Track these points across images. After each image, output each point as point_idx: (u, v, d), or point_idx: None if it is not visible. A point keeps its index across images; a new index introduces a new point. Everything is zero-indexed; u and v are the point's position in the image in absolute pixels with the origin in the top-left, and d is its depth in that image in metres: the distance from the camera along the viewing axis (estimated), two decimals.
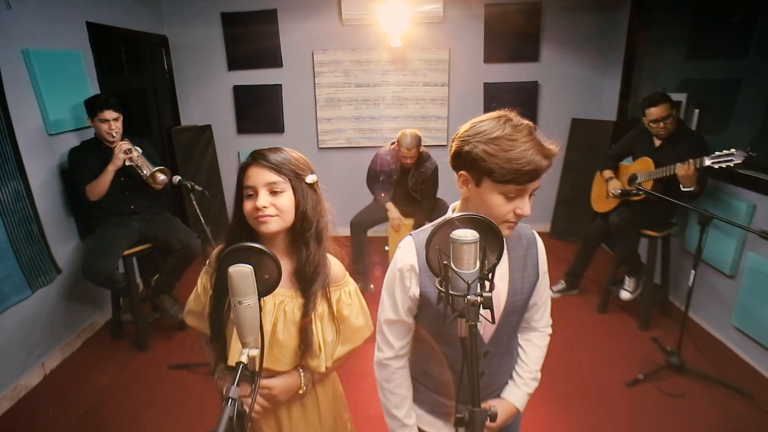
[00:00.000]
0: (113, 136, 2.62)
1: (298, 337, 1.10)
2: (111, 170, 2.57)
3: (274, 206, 1.04)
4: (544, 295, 1.15)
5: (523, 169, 0.89)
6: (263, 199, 1.03)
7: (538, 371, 1.17)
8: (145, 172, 2.64)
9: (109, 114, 2.58)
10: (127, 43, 3.59)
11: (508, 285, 1.05)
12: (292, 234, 1.11)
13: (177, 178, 2.62)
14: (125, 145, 2.60)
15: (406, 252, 1.05)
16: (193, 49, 4.19)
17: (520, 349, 1.19)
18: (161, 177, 2.64)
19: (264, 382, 1.10)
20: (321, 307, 1.12)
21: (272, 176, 1.04)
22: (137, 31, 3.67)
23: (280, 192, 1.05)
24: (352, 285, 1.20)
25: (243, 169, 1.07)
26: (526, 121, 0.95)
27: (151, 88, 3.96)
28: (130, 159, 2.62)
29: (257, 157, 1.06)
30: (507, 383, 1.18)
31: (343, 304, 1.16)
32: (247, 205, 1.05)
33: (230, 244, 1.06)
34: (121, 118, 2.66)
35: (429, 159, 3.34)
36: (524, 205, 0.95)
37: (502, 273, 1.05)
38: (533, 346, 1.18)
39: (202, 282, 1.18)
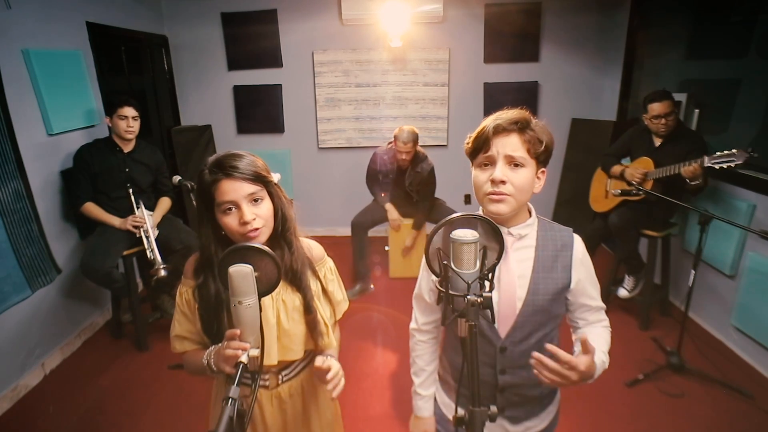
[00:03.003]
0: (130, 135, 2.67)
1: (305, 324, 1.12)
2: (115, 224, 2.64)
3: (259, 217, 1.01)
4: (589, 299, 1.08)
5: (481, 134, 0.98)
6: (248, 212, 0.99)
7: (606, 352, 1.05)
8: (148, 252, 2.62)
9: (129, 111, 2.63)
10: (127, 43, 3.59)
11: (529, 282, 1.02)
12: (270, 236, 1.08)
13: (177, 178, 2.62)
14: (140, 222, 2.64)
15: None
16: (193, 49, 4.19)
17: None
18: (162, 273, 2.58)
19: (329, 375, 1.02)
20: (315, 285, 1.15)
21: (250, 186, 0.99)
22: (137, 31, 3.67)
23: (260, 200, 1.02)
24: (330, 262, 1.24)
25: (212, 185, 0.98)
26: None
27: (151, 88, 3.96)
28: (137, 231, 2.65)
29: (227, 170, 0.97)
30: (538, 391, 1.10)
31: (327, 281, 1.20)
32: (230, 222, 0.99)
33: (206, 266, 1.05)
34: (139, 119, 2.71)
35: (425, 160, 3.35)
36: (496, 171, 0.96)
37: (524, 269, 1.03)
38: (597, 332, 1.09)
39: (183, 296, 1.10)
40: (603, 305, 1.12)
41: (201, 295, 1.07)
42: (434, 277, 1.08)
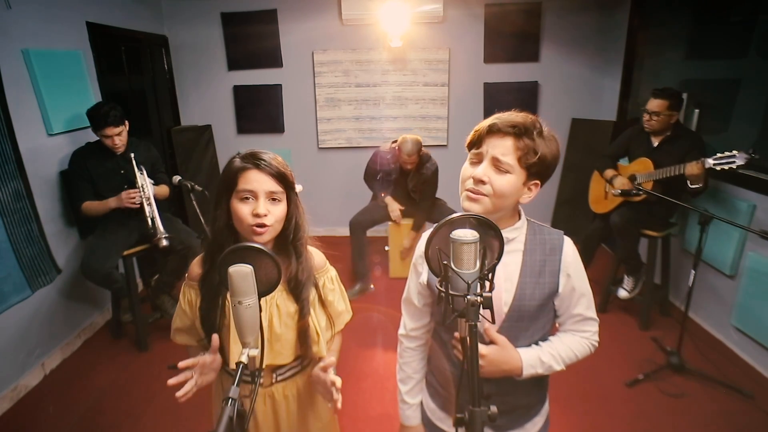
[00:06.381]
0: (119, 149, 2.61)
1: (296, 330, 1.11)
2: (113, 206, 2.58)
3: (271, 215, 1.03)
4: (577, 308, 1.06)
5: (478, 130, 0.98)
6: (264, 206, 1.01)
7: (560, 356, 1.04)
8: (149, 220, 2.55)
9: (110, 131, 2.54)
10: (127, 43, 3.59)
11: (516, 287, 1.00)
12: (279, 241, 1.10)
13: (177, 178, 2.63)
14: (136, 196, 2.57)
15: (423, 240, 1.09)
16: (193, 49, 4.19)
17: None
18: (164, 243, 2.54)
19: (335, 392, 1.03)
20: (312, 293, 1.15)
21: (275, 185, 1.03)
22: (137, 31, 3.67)
23: (278, 201, 1.05)
24: (332, 271, 1.23)
25: (239, 171, 1.03)
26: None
27: (151, 88, 3.96)
28: (134, 201, 2.59)
29: (258, 162, 1.02)
30: (524, 401, 1.10)
31: (327, 290, 1.19)
32: (243, 209, 1.02)
33: (215, 250, 1.06)
34: (125, 127, 2.63)
35: (429, 160, 3.34)
36: (478, 169, 0.95)
37: (510, 273, 1.01)
38: (563, 337, 1.08)
39: (186, 296, 1.14)
40: (594, 317, 1.08)
41: (207, 281, 1.08)
42: (423, 279, 1.08)
